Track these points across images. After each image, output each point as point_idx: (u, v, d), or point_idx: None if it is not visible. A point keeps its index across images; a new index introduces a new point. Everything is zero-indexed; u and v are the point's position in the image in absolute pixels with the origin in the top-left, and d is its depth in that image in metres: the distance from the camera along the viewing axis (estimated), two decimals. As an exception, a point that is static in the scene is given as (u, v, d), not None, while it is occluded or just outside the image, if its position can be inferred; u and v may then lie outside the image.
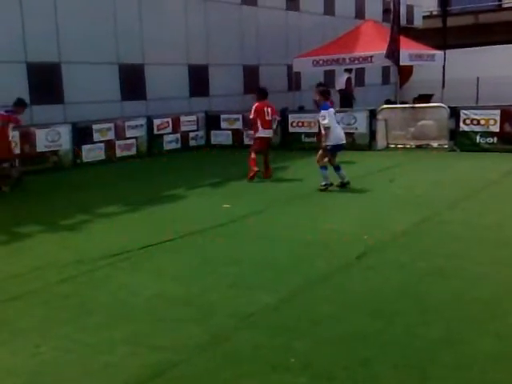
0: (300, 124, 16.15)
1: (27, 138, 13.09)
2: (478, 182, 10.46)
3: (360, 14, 25.69)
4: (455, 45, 24.46)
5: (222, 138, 17.22)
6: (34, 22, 14.31)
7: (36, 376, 4.02)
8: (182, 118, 16.97)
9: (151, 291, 5.52)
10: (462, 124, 14.18)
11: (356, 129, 15.21)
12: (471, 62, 24.45)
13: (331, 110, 10.07)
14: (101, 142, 14.70)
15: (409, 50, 18.37)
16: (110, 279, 5.97)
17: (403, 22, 24.72)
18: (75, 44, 15.13)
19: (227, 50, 19.77)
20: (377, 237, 7.03)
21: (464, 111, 14.20)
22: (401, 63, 17.55)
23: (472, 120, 14.06)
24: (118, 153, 15.14)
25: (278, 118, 12.12)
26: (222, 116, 17.24)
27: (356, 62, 18.42)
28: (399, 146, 15.32)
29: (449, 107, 14.48)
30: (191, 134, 17.23)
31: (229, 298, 5.29)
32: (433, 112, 15.54)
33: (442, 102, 16.39)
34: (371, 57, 17.89)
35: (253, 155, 11.41)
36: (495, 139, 13.83)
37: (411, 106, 16.35)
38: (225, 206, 9.14)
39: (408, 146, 15.19)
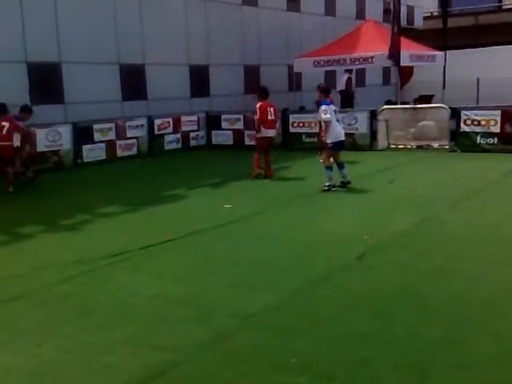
0: (301, 124, 16.15)
1: (27, 137, 13.05)
2: (478, 182, 10.47)
3: (361, 14, 25.70)
4: (455, 46, 24.46)
5: (222, 138, 17.22)
6: (35, 21, 14.32)
7: (36, 376, 4.03)
8: (183, 118, 16.97)
9: (151, 291, 5.53)
10: (462, 124, 14.18)
11: (357, 129, 15.22)
12: (471, 63, 24.45)
13: (332, 106, 10.07)
14: (101, 141, 14.70)
15: (409, 50, 18.38)
16: (110, 279, 5.98)
17: (404, 22, 24.73)
18: (75, 44, 15.13)
19: (228, 51, 19.79)
20: (377, 237, 7.03)
21: (465, 112, 14.20)
22: (401, 64, 17.55)
23: (472, 121, 14.07)
24: (119, 153, 15.15)
25: (278, 120, 12.18)
26: (223, 116, 17.24)
27: (357, 62, 18.42)
28: (400, 146, 15.32)
29: (449, 108, 14.48)
30: (192, 134, 17.22)
31: (229, 298, 5.29)
32: (433, 113, 15.53)
33: (442, 103, 16.39)
34: (372, 57, 17.89)
35: (257, 155, 11.54)
36: (496, 140, 13.83)
37: (412, 106, 16.34)
38: (226, 206, 9.14)
39: (409, 147, 15.19)
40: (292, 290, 5.41)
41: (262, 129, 11.53)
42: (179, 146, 16.79)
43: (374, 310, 4.86)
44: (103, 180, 12.63)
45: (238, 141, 16.84)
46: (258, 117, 11.51)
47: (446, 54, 20.23)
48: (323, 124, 10.10)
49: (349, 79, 19.52)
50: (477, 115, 14.04)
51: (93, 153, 14.50)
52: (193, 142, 17.24)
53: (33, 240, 7.61)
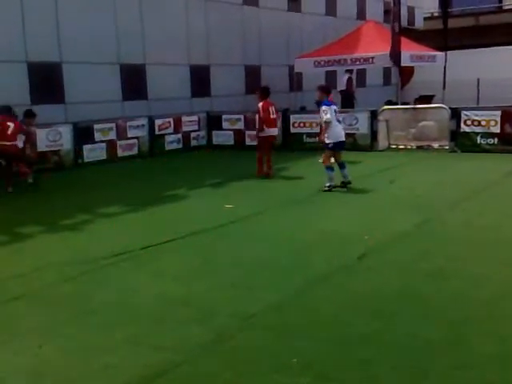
0: (301, 124, 16.15)
1: (28, 137, 13.06)
2: (478, 182, 10.47)
3: (361, 14, 25.71)
4: (456, 46, 24.46)
5: (223, 138, 17.21)
6: (35, 21, 14.32)
7: (37, 376, 4.03)
8: (184, 119, 16.97)
9: (152, 291, 5.53)
10: (462, 125, 14.18)
11: (357, 129, 15.22)
12: (472, 64, 24.44)
13: (333, 106, 10.07)
14: (102, 141, 14.70)
15: (410, 51, 18.38)
16: (110, 279, 5.98)
17: (404, 23, 24.74)
18: (76, 44, 15.13)
19: (229, 51, 19.79)
20: (377, 237, 7.03)
21: (465, 112, 14.20)
22: (402, 64, 17.56)
23: (473, 121, 14.06)
24: (120, 153, 15.15)
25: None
26: (224, 116, 17.23)
27: (357, 62, 18.41)
28: (400, 146, 15.31)
29: (450, 108, 14.48)
30: (193, 134, 17.22)
31: (229, 298, 5.30)
32: (434, 113, 15.52)
33: (442, 103, 16.39)
34: (372, 58, 17.89)
35: (260, 155, 11.62)
36: (496, 140, 13.83)
37: (412, 106, 16.34)
38: (227, 206, 9.14)
39: (409, 147, 15.18)
40: (292, 290, 5.41)
41: (265, 128, 11.58)
42: (180, 146, 16.79)
43: (374, 310, 4.87)
44: (104, 180, 12.63)
45: (238, 141, 16.83)
46: (261, 116, 11.54)
47: (446, 55, 20.23)
48: (323, 124, 10.11)
49: (349, 79, 19.53)
50: (477, 115, 14.04)
51: (93, 153, 14.50)
52: (193, 142, 17.24)
53: (33, 240, 7.62)
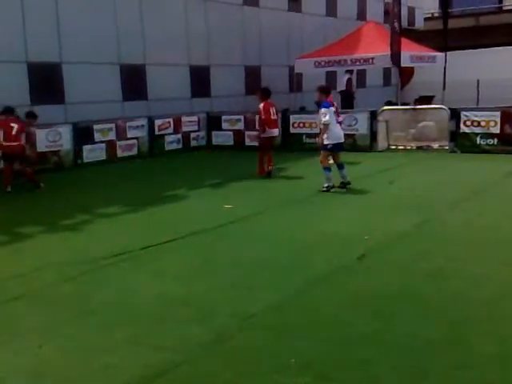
0: (301, 125, 16.15)
1: (28, 138, 13.06)
2: (478, 183, 10.47)
3: (362, 15, 25.73)
4: (456, 47, 24.44)
5: (223, 138, 17.22)
6: (35, 21, 14.33)
7: (37, 376, 4.03)
8: (184, 119, 16.97)
9: (152, 291, 5.53)
10: (462, 125, 14.18)
11: (357, 130, 15.22)
12: (472, 64, 24.45)
13: (332, 108, 10.07)
14: (102, 142, 14.70)
15: (410, 51, 18.39)
16: (110, 279, 5.98)
17: (404, 23, 24.74)
18: (76, 44, 15.14)
19: (229, 51, 19.79)
20: (377, 237, 7.03)
21: (464, 113, 14.20)
22: (402, 65, 17.56)
23: (472, 121, 14.06)
24: (119, 153, 15.15)
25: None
26: (224, 117, 17.24)
27: (357, 63, 18.42)
28: (400, 147, 15.32)
29: (449, 109, 14.48)
30: (192, 135, 17.23)
31: (229, 298, 5.30)
32: (433, 113, 15.53)
33: (442, 104, 16.40)
34: (372, 58, 17.90)
35: (261, 155, 11.64)
36: (495, 140, 13.83)
37: (412, 107, 16.35)
38: (226, 206, 9.14)
39: (409, 148, 15.19)
40: (292, 290, 5.41)
41: (267, 129, 11.61)
42: (180, 146, 16.80)
43: (374, 310, 4.87)
44: (103, 180, 12.63)
45: (238, 141, 16.84)
46: (263, 117, 11.55)
47: (446, 55, 20.25)
48: (322, 126, 10.11)
49: (349, 80, 19.54)
50: (476, 116, 14.05)
51: (93, 153, 14.50)
52: (193, 143, 17.24)
53: (33, 240, 7.62)
